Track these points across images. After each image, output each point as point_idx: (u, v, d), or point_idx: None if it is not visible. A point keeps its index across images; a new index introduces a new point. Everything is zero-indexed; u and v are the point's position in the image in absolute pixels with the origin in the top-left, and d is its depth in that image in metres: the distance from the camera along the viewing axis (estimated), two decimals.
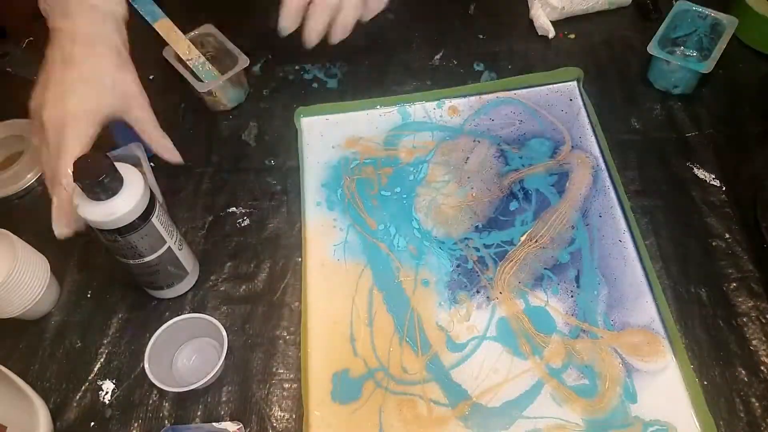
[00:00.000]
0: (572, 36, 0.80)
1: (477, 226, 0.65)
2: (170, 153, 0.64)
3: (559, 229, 0.64)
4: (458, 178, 0.69)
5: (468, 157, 0.70)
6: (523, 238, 0.64)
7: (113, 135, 0.73)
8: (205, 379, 0.56)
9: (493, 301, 0.61)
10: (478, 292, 0.61)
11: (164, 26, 0.73)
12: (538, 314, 0.60)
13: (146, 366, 0.55)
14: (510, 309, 0.60)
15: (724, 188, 0.66)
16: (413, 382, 0.57)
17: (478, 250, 0.64)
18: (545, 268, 0.62)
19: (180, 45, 0.74)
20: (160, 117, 0.75)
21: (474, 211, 0.66)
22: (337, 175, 0.70)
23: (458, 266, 0.63)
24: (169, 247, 0.58)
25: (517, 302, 0.60)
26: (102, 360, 0.60)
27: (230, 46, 0.74)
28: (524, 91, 0.75)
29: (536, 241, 0.64)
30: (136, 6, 0.73)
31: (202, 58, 0.74)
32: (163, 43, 0.74)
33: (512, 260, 0.63)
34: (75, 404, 0.58)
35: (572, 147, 0.70)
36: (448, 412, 0.55)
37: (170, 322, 0.58)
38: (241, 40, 0.75)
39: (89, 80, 0.58)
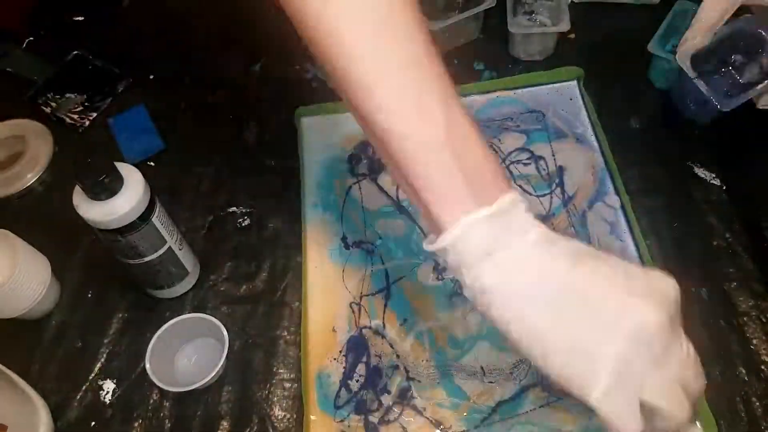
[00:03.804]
0: (572, 36, 0.80)
1: None
2: None
3: (559, 231, 0.64)
4: None
5: None
6: None
7: (114, 136, 0.74)
8: (206, 379, 0.56)
9: None
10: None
11: None
12: None
13: (147, 366, 0.55)
14: None
15: (724, 187, 0.66)
16: (423, 384, 0.57)
17: None
18: None
19: None
20: (161, 117, 0.76)
21: None
22: (330, 176, 0.70)
23: (457, 279, 0.62)
24: (170, 246, 0.58)
25: None
26: (102, 360, 0.60)
27: None
28: (524, 90, 0.75)
29: None
30: None
31: None
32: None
33: None
34: (76, 404, 0.58)
35: (572, 146, 0.70)
36: (449, 414, 0.55)
37: (171, 321, 0.58)
38: (242, 40, 0.75)
39: None
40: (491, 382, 0.56)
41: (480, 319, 0.60)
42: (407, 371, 0.57)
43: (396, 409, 0.56)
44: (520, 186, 0.68)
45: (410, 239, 0.65)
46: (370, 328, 0.60)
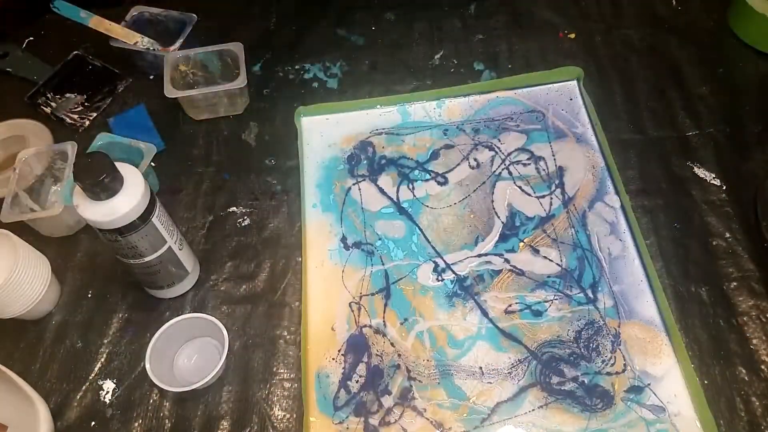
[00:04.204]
0: (572, 36, 0.80)
1: (477, 238, 0.65)
2: None
3: (559, 231, 0.64)
4: (457, 184, 0.69)
5: (467, 161, 0.70)
6: (522, 245, 0.64)
7: (112, 132, 0.73)
8: (206, 379, 0.56)
9: (488, 303, 0.61)
10: (474, 297, 0.61)
11: (97, 23, 0.74)
12: (534, 314, 0.60)
13: (147, 366, 0.55)
14: (502, 309, 0.60)
15: (724, 187, 0.66)
16: (424, 384, 0.57)
17: (477, 263, 0.63)
18: (545, 272, 0.62)
19: (119, 33, 0.74)
20: (161, 117, 0.76)
21: (474, 224, 0.66)
22: (330, 176, 0.70)
23: (456, 280, 0.62)
24: (170, 246, 0.58)
25: (513, 304, 0.60)
26: (102, 360, 0.60)
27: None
28: (524, 90, 0.75)
29: (536, 245, 0.64)
30: (66, 15, 0.74)
31: (146, 39, 0.75)
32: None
33: (510, 270, 0.62)
34: (76, 404, 0.58)
35: (572, 146, 0.70)
36: (449, 415, 0.55)
37: (171, 321, 0.58)
38: (241, 40, 0.75)
39: None
40: (489, 383, 0.56)
41: (479, 319, 0.60)
42: (409, 371, 0.57)
43: (396, 411, 0.56)
44: (520, 187, 0.68)
45: (410, 240, 0.65)
46: (370, 326, 0.60)
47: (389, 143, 0.72)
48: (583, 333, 0.58)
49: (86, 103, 0.78)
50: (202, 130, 0.76)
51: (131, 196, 0.52)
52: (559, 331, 0.59)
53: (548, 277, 0.62)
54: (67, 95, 0.78)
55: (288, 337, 0.61)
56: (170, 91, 0.71)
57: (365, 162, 0.71)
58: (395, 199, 0.68)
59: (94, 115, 0.78)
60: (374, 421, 0.55)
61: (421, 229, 0.66)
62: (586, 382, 0.56)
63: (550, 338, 0.58)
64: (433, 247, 0.64)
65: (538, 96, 0.74)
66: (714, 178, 0.67)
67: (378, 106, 0.75)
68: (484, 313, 0.60)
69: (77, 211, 0.52)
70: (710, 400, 0.54)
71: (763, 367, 0.56)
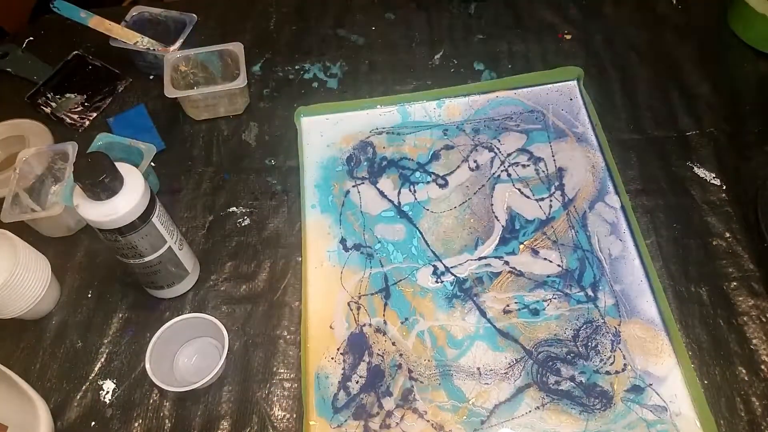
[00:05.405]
0: (571, 36, 0.80)
1: (477, 241, 0.65)
2: None
3: (559, 233, 0.64)
4: (457, 186, 0.68)
5: (467, 162, 0.70)
6: (522, 247, 0.64)
7: (112, 132, 0.74)
8: (206, 379, 0.56)
9: (487, 303, 0.61)
10: (472, 298, 0.61)
11: (97, 22, 0.75)
12: (531, 313, 0.60)
13: (147, 366, 0.55)
14: (500, 309, 0.60)
15: (724, 187, 0.66)
16: (425, 385, 0.57)
17: (477, 266, 0.63)
18: (545, 273, 0.62)
19: (119, 33, 0.74)
20: (161, 117, 0.76)
21: (474, 227, 0.66)
22: (328, 177, 0.70)
23: (456, 282, 0.62)
24: (170, 246, 0.58)
25: (510, 303, 0.60)
26: (102, 360, 0.60)
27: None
28: (524, 90, 0.75)
29: (536, 247, 0.64)
30: (67, 15, 0.75)
31: (146, 39, 0.75)
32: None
33: (509, 272, 0.62)
34: (76, 404, 0.58)
35: (573, 146, 0.70)
36: (450, 417, 0.55)
37: (171, 321, 0.58)
38: (241, 40, 0.75)
39: None
40: (487, 384, 0.56)
41: (477, 319, 0.60)
42: (410, 371, 0.57)
43: (397, 414, 0.55)
44: (519, 190, 0.67)
45: (410, 243, 0.65)
46: (370, 325, 0.60)
47: (390, 143, 0.72)
48: (581, 331, 0.58)
49: (86, 103, 0.78)
50: (202, 130, 0.76)
51: (131, 196, 0.52)
52: (556, 329, 0.59)
53: (548, 276, 0.62)
54: (67, 95, 0.79)
55: (288, 337, 0.61)
56: (170, 91, 0.71)
57: (365, 163, 0.71)
58: (396, 203, 0.68)
59: (94, 115, 0.78)
60: (374, 424, 0.55)
61: (421, 233, 0.66)
62: (583, 381, 0.56)
63: (547, 337, 0.58)
64: (433, 251, 0.64)
65: (538, 96, 0.74)
66: (714, 178, 0.67)
67: (378, 106, 0.75)
68: (482, 313, 0.60)
69: (77, 211, 0.52)
70: (710, 400, 0.54)
71: (763, 367, 0.56)
